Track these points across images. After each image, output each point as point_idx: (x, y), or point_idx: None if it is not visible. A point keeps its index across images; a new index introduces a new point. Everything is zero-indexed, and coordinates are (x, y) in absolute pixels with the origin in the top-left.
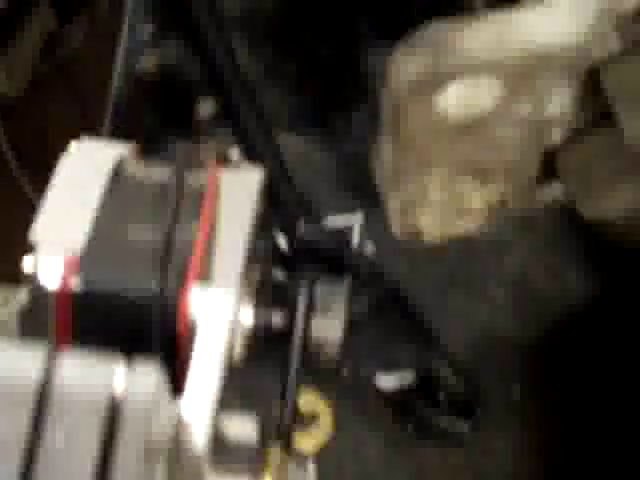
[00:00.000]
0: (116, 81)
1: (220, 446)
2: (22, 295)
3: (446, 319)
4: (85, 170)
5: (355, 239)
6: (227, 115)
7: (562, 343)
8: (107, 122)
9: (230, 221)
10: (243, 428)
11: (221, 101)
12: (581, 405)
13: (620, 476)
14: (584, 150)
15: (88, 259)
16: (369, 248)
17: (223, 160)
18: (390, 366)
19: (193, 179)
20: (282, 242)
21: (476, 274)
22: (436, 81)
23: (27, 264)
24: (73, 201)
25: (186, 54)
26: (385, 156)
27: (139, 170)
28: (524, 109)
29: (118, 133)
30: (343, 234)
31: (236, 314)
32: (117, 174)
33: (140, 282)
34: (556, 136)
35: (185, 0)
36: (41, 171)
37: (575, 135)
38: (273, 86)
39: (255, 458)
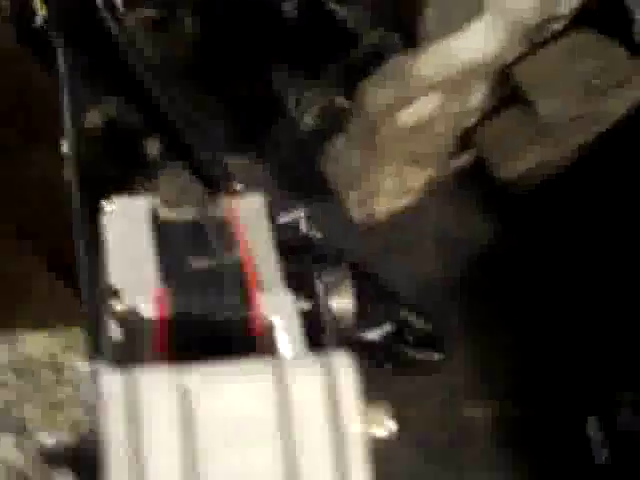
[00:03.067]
0: (69, 139)
1: None
2: (112, 330)
3: (391, 275)
4: (128, 221)
5: (304, 229)
6: (174, 149)
7: (477, 278)
8: (73, 176)
9: (258, 239)
10: None
11: (166, 139)
12: (503, 315)
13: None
14: (497, 125)
15: (169, 289)
16: (317, 234)
17: (230, 192)
18: (370, 322)
19: (213, 211)
20: None
21: (406, 236)
22: (401, 102)
23: (116, 304)
24: (130, 247)
25: (124, 105)
26: (349, 161)
27: (169, 213)
28: (454, 107)
29: (85, 183)
30: (296, 226)
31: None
32: (156, 220)
33: (216, 299)
34: (473, 120)
35: (121, 58)
36: None
37: (488, 115)
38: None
39: None
